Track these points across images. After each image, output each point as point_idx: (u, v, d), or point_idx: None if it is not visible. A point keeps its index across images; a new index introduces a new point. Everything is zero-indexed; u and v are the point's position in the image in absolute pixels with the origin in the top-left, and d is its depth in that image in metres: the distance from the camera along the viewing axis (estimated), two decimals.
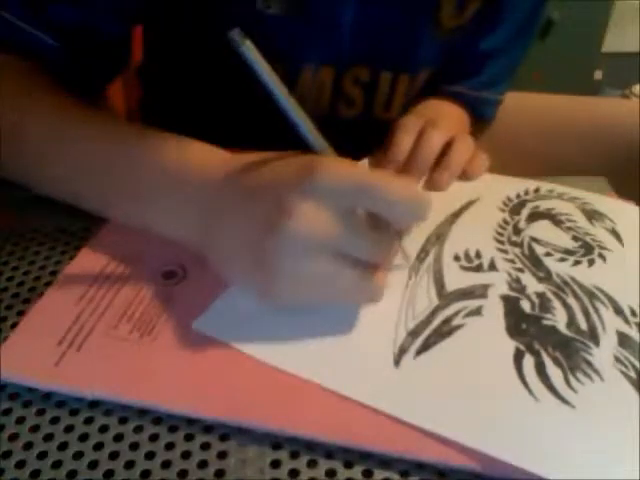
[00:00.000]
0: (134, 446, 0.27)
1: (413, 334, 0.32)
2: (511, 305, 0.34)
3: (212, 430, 0.28)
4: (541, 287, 0.36)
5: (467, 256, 0.38)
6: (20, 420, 0.28)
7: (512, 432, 0.27)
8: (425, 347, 0.31)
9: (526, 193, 0.46)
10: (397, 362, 0.30)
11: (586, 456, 0.26)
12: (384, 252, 0.31)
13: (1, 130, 0.38)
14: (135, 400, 0.28)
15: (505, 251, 0.39)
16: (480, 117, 0.63)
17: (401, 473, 0.26)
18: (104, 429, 0.28)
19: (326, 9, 0.49)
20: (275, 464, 0.26)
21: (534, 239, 0.40)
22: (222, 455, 0.27)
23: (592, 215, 0.43)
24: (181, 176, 0.34)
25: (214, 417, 0.28)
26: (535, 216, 0.43)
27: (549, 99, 0.66)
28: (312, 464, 0.26)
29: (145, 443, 0.27)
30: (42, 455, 0.27)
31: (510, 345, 0.31)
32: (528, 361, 0.31)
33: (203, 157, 0.35)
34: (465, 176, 0.47)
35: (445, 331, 0.32)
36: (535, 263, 0.38)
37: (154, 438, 0.27)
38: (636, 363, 0.31)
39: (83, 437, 0.27)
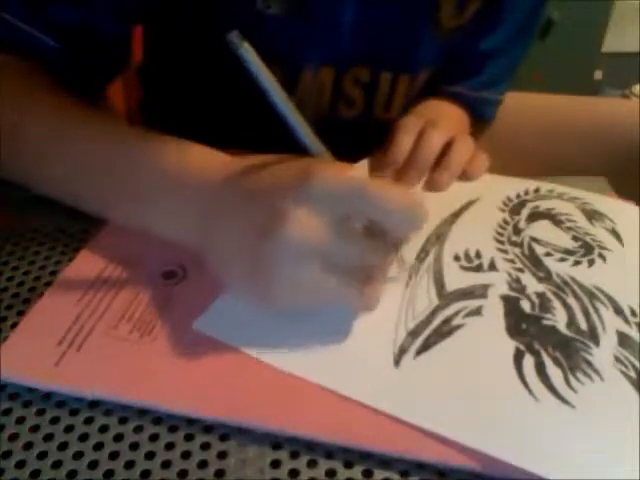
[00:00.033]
0: (134, 446, 0.27)
1: (413, 334, 0.32)
2: (511, 305, 0.34)
3: (212, 430, 0.28)
4: (541, 287, 0.36)
5: (467, 256, 0.38)
6: (20, 420, 0.28)
7: (512, 432, 0.27)
8: (425, 347, 0.31)
9: (526, 193, 0.46)
10: (397, 362, 0.30)
11: (586, 456, 0.26)
12: (378, 260, 0.31)
13: (1, 130, 0.38)
14: (135, 400, 0.28)
15: (505, 251, 0.39)
16: (480, 117, 0.63)
17: (401, 473, 0.26)
18: (104, 429, 0.28)
19: (326, 9, 0.49)
20: (275, 464, 0.26)
21: (534, 239, 0.40)
22: (222, 455, 0.27)
23: (592, 215, 0.43)
24: (181, 178, 0.34)
25: (214, 417, 0.28)
26: (535, 216, 0.43)
27: (549, 99, 0.66)
28: (312, 464, 0.26)
29: (145, 443, 0.27)
30: (42, 455, 0.27)
31: (510, 345, 0.31)
32: (528, 361, 0.31)
33: (203, 160, 0.35)
34: (465, 176, 0.47)
35: (445, 331, 0.32)
36: (535, 263, 0.38)
37: (154, 438, 0.27)
38: (636, 363, 0.31)
39: (83, 437, 0.27)
